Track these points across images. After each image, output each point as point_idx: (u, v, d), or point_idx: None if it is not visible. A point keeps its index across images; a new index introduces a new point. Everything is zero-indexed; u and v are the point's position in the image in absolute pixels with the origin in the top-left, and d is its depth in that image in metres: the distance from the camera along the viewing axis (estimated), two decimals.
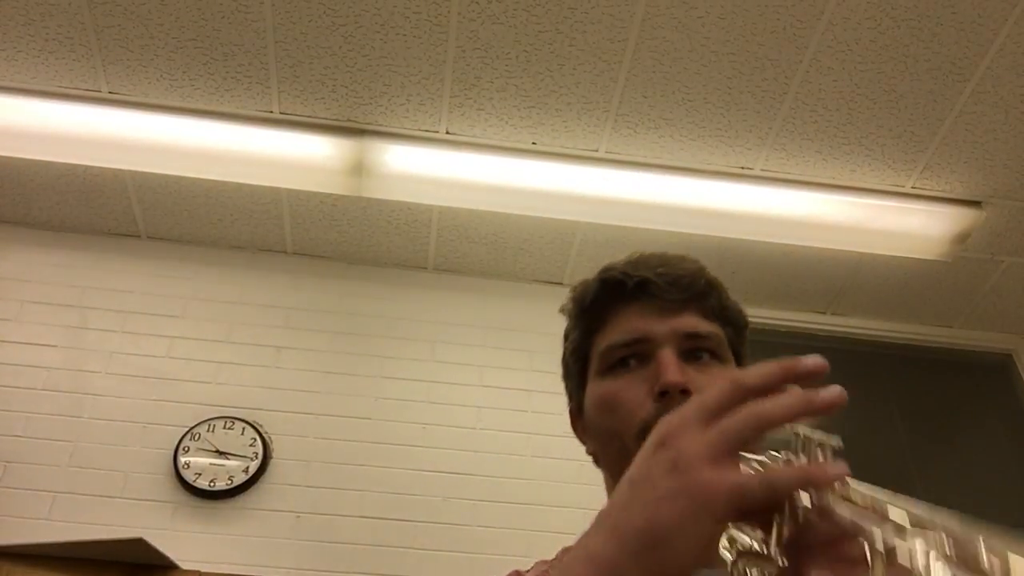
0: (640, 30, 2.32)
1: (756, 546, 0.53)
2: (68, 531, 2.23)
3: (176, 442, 2.46)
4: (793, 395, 0.51)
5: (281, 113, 2.52)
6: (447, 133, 2.58)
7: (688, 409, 0.52)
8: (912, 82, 2.43)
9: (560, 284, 3.07)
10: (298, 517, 2.43)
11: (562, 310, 0.96)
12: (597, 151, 2.63)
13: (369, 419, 2.65)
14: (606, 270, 0.90)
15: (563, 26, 2.31)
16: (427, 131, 2.57)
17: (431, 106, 2.51)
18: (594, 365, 0.88)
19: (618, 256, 0.93)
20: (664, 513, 0.49)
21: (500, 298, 3.01)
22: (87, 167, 2.65)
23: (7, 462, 2.38)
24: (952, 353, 3.24)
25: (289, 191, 2.75)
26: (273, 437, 2.55)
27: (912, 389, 3.20)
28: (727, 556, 0.56)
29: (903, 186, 2.71)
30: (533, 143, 2.61)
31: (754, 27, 2.31)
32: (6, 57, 2.37)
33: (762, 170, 2.67)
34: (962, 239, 2.79)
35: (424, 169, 2.61)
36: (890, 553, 0.44)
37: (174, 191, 2.76)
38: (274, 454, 2.52)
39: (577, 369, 0.92)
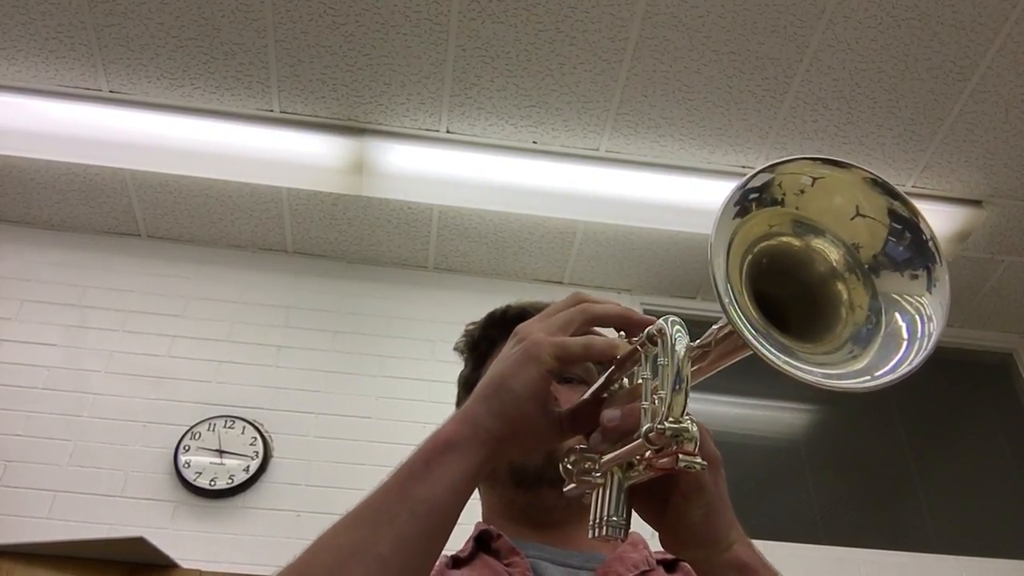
0: (640, 29, 2.31)
1: (579, 447, 0.70)
2: (68, 530, 2.22)
3: (176, 441, 2.46)
4: (616, 306, 0.68)
5: (281, 112, 2.52)
6: (447, 132, 2.57)
7: (537, 316, 0.69)
8: (912, 82, 2.43)
9: (560, 283, 3.06)
10: (298, 516, 2.43)
11: (456, 347, 1.07)
12: (598, 150, 2.63)
13: (369, 418, 2.65)
14: (493, 310, 1.05)
15: (563, 25, 2.30)
16: (427, 130, 2.57)
17: (431, 105, 2.51)
18: None
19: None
20: (504, 366, 0.65)
21: (500, 297, 2.98)
22: (87, 166, 2.65)
23: (7, 461, 2.38)
24: (952, 353, 3.24)
25: (289, 190, 2.75)
26: (273, 436, 2.55)
27: (912, 389, 3.20)
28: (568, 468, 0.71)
29: (903, 185, 2.71)
30: (534, 142, 2.60)
31: (755, 26, 2.31)
32: (6, 56, 2.37)
33: None
34: (962, 238, 2.79)
35: (424, 168, 2.61)
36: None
37: (174, 190, 2.76)
38: (274, 453, 2.52)
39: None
